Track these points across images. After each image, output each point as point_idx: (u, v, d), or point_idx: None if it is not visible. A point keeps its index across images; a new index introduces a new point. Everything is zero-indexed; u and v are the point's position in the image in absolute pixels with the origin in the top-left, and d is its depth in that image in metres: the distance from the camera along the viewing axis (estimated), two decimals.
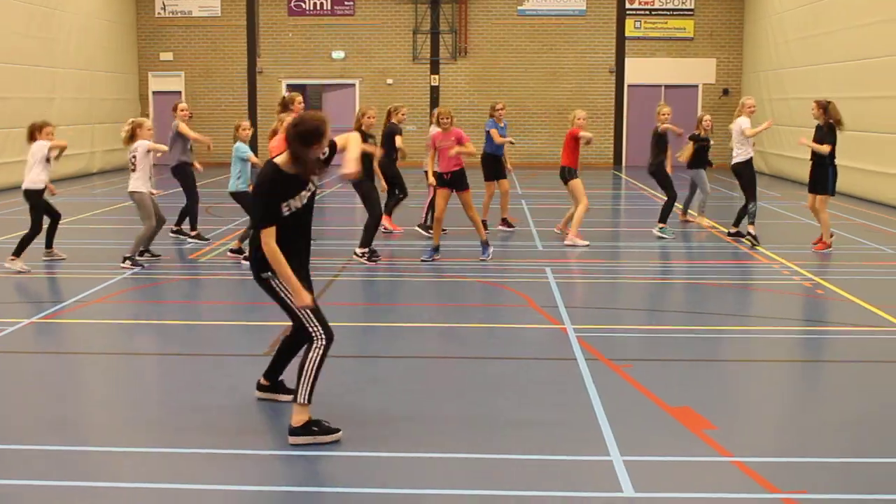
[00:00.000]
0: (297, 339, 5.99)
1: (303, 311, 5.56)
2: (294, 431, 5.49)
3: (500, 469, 5.21)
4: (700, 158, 14.53)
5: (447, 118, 11.63)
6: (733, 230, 13.51)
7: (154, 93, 28.93)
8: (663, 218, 13.77)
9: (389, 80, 28.29)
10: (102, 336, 8.60)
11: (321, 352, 5.57)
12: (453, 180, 11.60)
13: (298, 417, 5.52)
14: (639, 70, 27.56)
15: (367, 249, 11.69)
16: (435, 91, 28.09)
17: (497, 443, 5.58)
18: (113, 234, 14.26)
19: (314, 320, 5.58)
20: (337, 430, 5.59)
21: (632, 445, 5.49)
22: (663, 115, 13.78)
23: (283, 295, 5.60)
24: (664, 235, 13.59)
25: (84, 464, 5.34)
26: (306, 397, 5.54)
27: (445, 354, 7.68)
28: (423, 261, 11.59)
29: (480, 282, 10.64)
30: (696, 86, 27.57)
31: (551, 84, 27.72)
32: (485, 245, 11.82)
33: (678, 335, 8.25)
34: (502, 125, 14.33)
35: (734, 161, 13.28)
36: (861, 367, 7.40)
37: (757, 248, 12.67)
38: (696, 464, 5.28)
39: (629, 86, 27.58)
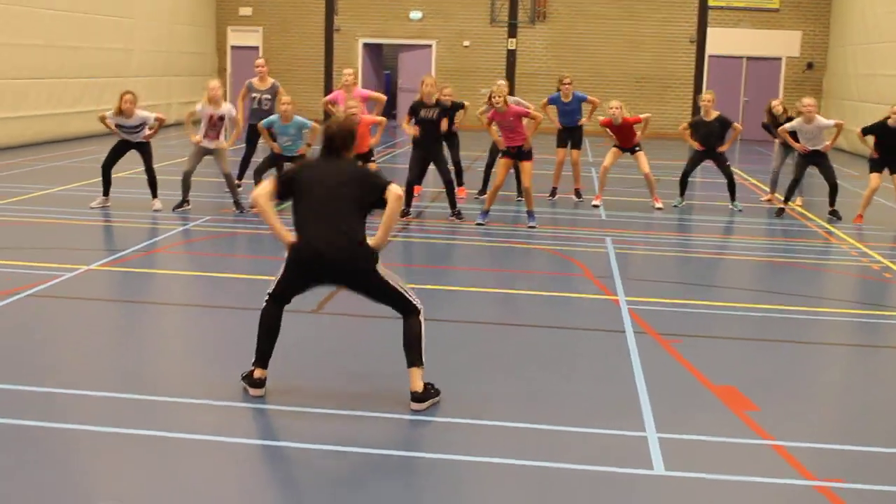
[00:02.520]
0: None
1: (401, 287, 5.59)
2: (419, 398, 5.51)
3: (533, 439, 5.16)
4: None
5: (500, 97, 11.25)
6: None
7: (232, 47, 29.16)
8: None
9: (466, 43, 28.08)
10: (156, 285, 8.74)
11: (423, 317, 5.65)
12: (517, 152, 11.50)
13: (420, 382, 5.54)
14: (721, 40, 26.89)
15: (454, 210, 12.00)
16: (512, 55, 27.82)
17: (534, 413, 5.52)
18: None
19: (410, 293, 5.65)
20: (439, 391, 5.67)
21: (669, 422, 5.39)
22: (705, 101, 13.41)
23: (388, 281, 5.58)
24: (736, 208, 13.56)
25: (138, 411, 5.43)
26: (423, 360, 5.58)
27: (495, 320, 7.62)
28: (478, 224, 11.55)
29: (538, 248, 10.55)
30: (780, 59, 26.84)
31: (630, 52, 27.24)
32: (530, 214, 11.69)
33: (733, 313, 8.07)
34: (568, 100, 13.96)
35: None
36: None
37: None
38: (732, 445, 5.16)
39: (710, 56, 26.96)
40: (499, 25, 27.89)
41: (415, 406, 5.47)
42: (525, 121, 11.42)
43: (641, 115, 13.43)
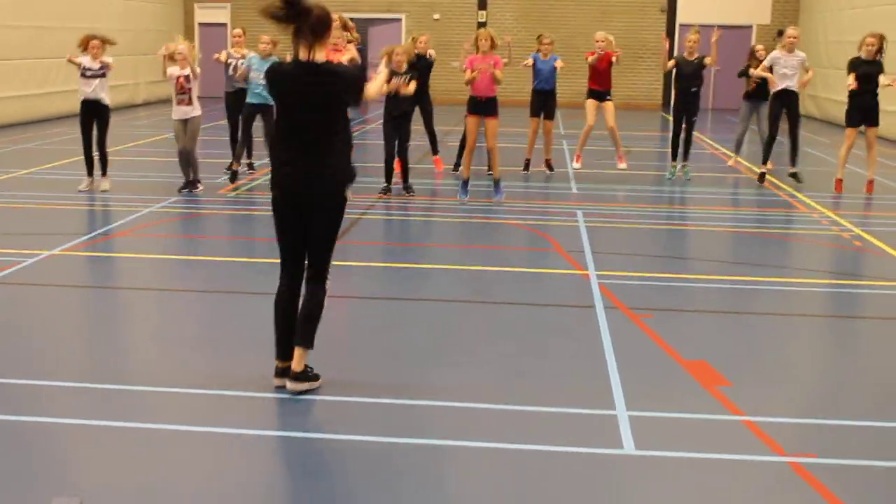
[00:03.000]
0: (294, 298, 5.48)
1: (331, 252, 5.34)
2: (297, 377, 5.30)
3: (502, 421, 5.07)
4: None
5: (487, 39, 11.29)
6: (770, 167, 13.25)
7: (200, 24, 28.76)
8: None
9: (436, 15, 27.82)
10: (120, 270, 8.58)
11: (326, 296, 5.41)
12: (486, 105, 11.36)
13: (303, 363, 5.32)
14: (691, 8, 26.78)
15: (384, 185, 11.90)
16: (482, 27, 27.50)
17: (501, 392, 5.44)
18: (158, 167, 14.22)
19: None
20: (318, 376, 5.43)
21: (639, 400, 5.32)
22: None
23: (340, 221, 5.34)
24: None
25: (111, 401, 5.30)
26: (311, 344, 5.34)
27: (464, 298, 7.51)
28: (461, 201, 11.43)
29: (509, 223, 10.45)
30: (751, 26, 26.76)
31: (600, 22, 26.88)
32: (497, 184, 11.59)
33: (704, 285, 8.00)
34: (547, 58, 13.81)
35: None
36: (893, 325, 7.12)
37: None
38: (703, 422, 5.10)
39: (681, 25, 26.83)
40: None
41: (291, 385, 5.28)
42: (496, 74, 11.30)
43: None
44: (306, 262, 5.35)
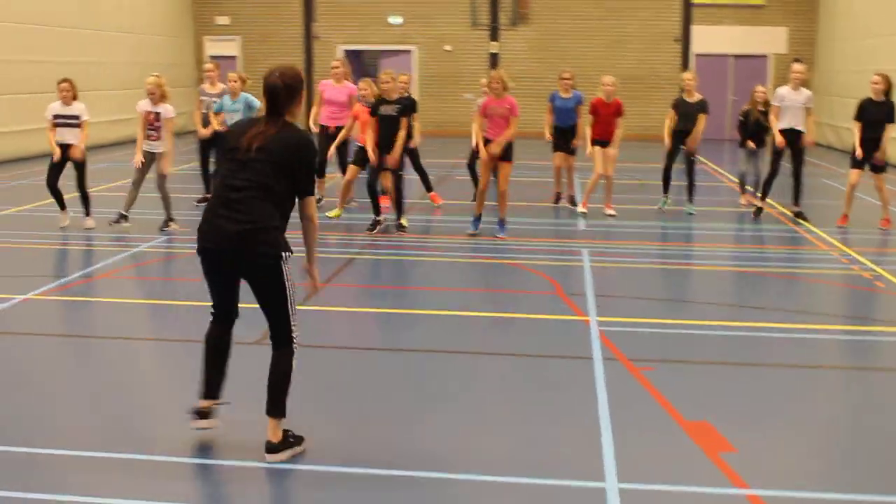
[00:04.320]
0: (227, 341, 5.08)
1: (293, 304, 4.85)
2: (275, 448, 4.84)
3: (475, 494, 4.56)
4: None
5: (498, 83, 10.92)
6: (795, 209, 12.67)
7: (210, 57, 28.52)
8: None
9: (448, 47, 27.49)
10: (98, 316, 8.14)
11: (294, 358, 4.90)
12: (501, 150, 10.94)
13: (278, 432, 4.86)
14: (706, 38, 26.29)
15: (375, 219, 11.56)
16: (494, 58, 27.21)
17: (476, 460, 4.92)
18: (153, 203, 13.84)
19: (296, 321, 4.90)
20: (302, 438, 5.00)
21: (632, 469, 4.79)
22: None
23: (286, 279, 4.76)
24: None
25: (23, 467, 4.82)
26: (284, 411, 4.87)
27: (450, 348, 6.99)
28: (470, 234, 11.04)
29: (510, 264, 9.95)
30: (766, 56, 26.26)
31: (614, 52, 26.63)
32: (501, 223, 11.15)
33: (712, 332, 7.46)
34: (568, 96, 13.38)
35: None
36: None
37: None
38: (703, 497, 4.55)
39: (696, 55, 26.38)
40: (480, 29, 27.29)
41: (271, 458, 4.82)
42: (511, 119, 10.90)
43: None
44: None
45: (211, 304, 5.03)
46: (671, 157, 13.22)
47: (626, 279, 9.50)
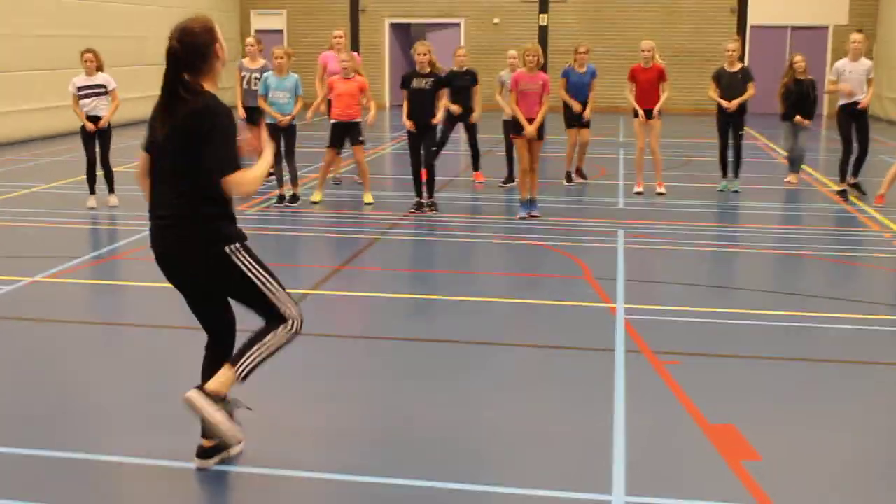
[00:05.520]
0: (224, 350, 4.42)
1: (272, 287, 4.24)
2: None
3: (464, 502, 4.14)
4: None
5: (534, 56, 10.40)
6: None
7: (256, 31, 28.25)
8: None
9: (496, 20, 26.90)
10: (105, 301, 7.83)
11: (291, 335, 4.29)
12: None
13: (219, 385, 4.16)
14: (763, 9, 25.34)
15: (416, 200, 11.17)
16: (543, 31, 26.56)
17: (474, 467, 4.48)
18: None
19: (287, 299, 4.30)
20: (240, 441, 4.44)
21: (643, 480, 4.32)
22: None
23: (246, 269, 4.19)
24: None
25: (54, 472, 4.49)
26: (245, 373, 4.18)
27: (461, 338, 6.51)
28: (521, 217, 10.55)
29: (539, 245, 9.46)
30: (827, 27, 25.24)
31: (667, 25, 25.81)
32: (533, 202, 10.68)
33: (748, 322, 6.92)
34: (583, 71, 12.85)
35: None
36: None
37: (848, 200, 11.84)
38: None
39: (752, 27, 25.45)
40: (529, 1, 26.64)
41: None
42: (544, 97, 10.50)
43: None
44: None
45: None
46: (723, 135, 12.57)
47: (662, 262, 8.97)
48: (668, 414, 5.15)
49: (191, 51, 4.09)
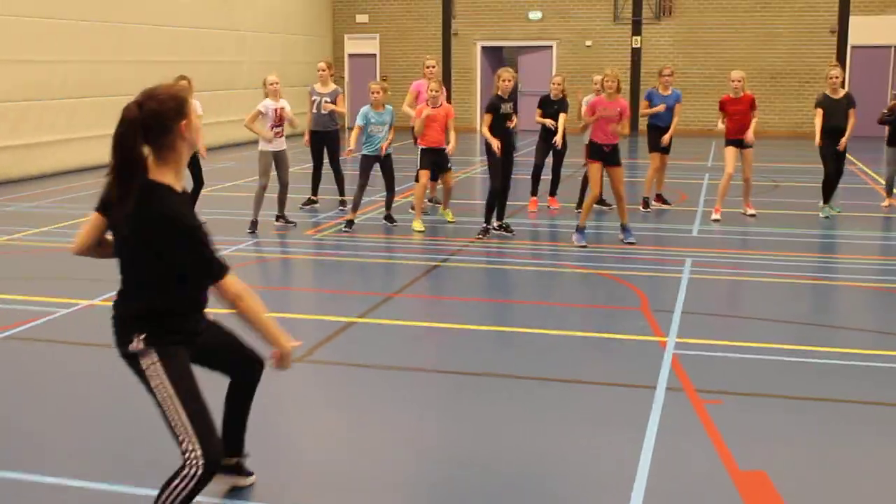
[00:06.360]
0: (245, 391, 4.27)
1: (180, 414, 3.57)
2: None
3: None
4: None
5: (613, 81, 10.27)
6: None
7: (350, 55, 28.60)
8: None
9: (588, 42, 26.61)
10: None
11: (193, 482, 3.53)
12: (611, 154, 10.34)
13: None
14: (865, 29, 24.46)
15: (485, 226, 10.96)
16: (636, 54, 26.16)
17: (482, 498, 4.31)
18: (240, 203, 13.71)
19: (198, 431, 3.57)
20: None
21: None
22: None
23: (158, 381, 3.61)
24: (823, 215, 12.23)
25: None
26: None
27: (500, 371, 6.32)
28: (581, 246, 10.31)
29: (598, 273, 9.19)
30: None
31: (764, 46, 25.14)
32: (625, 228, 10.45)
33: (805, 360, 6.56)
34: (667, 94, 12.64)
35: None
36: None
37: None
38: None
39: (853, 47, 24.60)
40: (622, 23, 26.29)
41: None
42: (623, 123, 10.46)
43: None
44: None
45: None
46: (828, 162, 12.05)
47: (726, 293, 8.63)
48: (697, 456, 4.88)
49: (151, 118, 3.48)
